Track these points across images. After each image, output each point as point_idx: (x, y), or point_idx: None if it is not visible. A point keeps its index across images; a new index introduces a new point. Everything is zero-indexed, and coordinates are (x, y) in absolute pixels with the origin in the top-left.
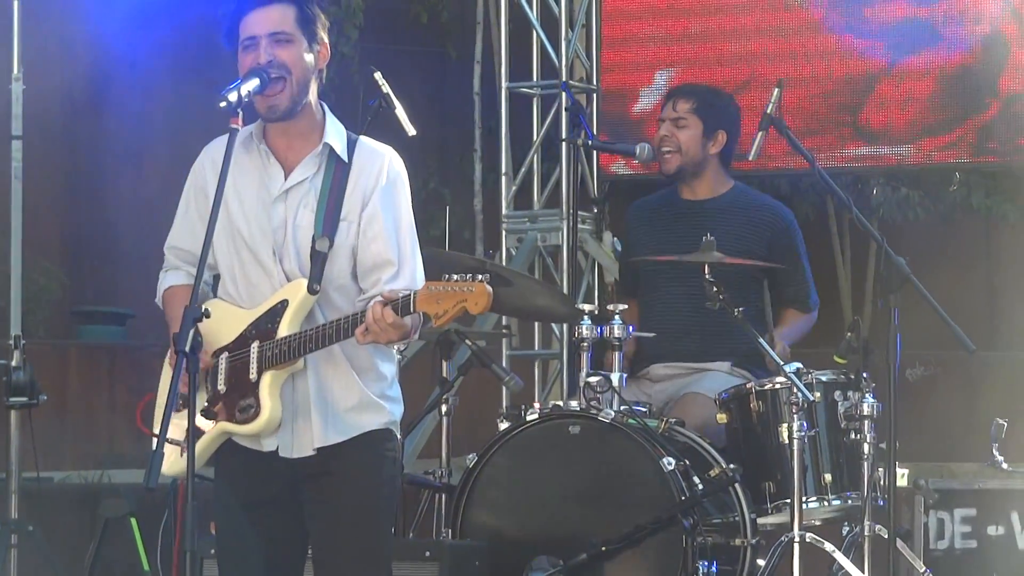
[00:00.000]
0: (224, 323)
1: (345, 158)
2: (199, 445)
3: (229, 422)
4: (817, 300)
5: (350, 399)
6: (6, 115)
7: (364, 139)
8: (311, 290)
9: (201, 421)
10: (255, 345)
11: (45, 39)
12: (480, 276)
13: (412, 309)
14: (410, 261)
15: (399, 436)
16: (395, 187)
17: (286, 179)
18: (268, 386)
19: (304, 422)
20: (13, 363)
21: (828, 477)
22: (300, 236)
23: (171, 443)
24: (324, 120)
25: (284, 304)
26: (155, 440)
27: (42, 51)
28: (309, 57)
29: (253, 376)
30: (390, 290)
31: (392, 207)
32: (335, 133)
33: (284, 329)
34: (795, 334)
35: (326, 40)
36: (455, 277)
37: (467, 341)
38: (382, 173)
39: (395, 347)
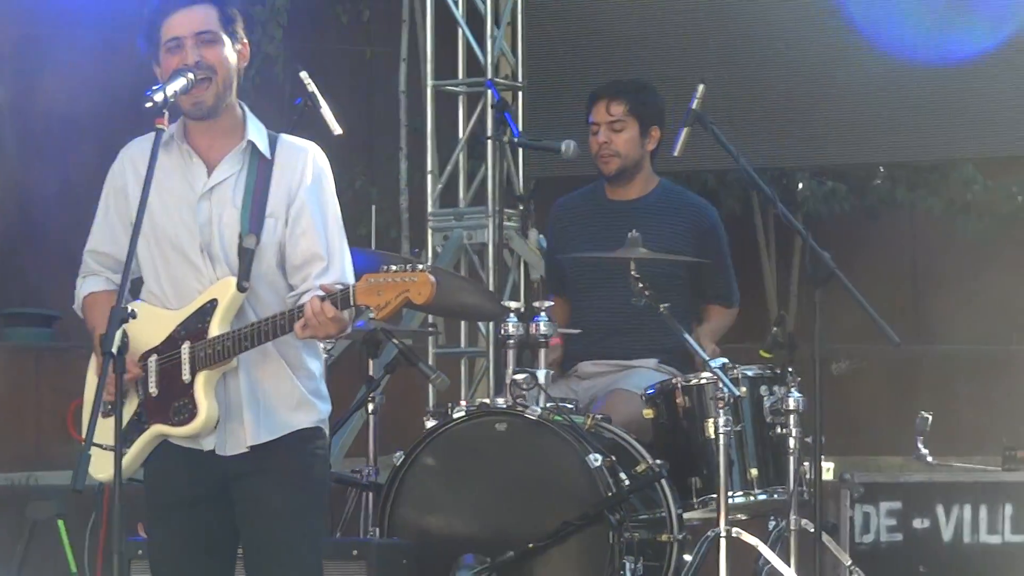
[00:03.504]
0: (150, 325)
1: (268, 155)
2: (133, 449)
3: (164, 424)
4: (739, 296)
5: (283, 396)
6: None
7: (285, 136)
8: (240, 288)
9: (135, 425)
10: (186, 346)
11: None
12: (421, 265)
13: (352, 302)
14: (339, 255)
15: (328, 432)
16: (320, 183)
17: (209, 177)
18: (203, 386)
19: (237, 420)
20: None
21: (754, 472)
22: (226, 234)
23: (103, 448)
24: (245, 118)
25: (214, 303)
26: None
27: None
28: (233, 56)
29: (186, 377)
30: (326, 284)
31: (319, 202)
32: (256, 130)
33: (215, 328)
34: (720, 331)
35: (246, 39)
36: (394, 268)
37: (393, 339)
38: (306, 169)
39: (321, 345)
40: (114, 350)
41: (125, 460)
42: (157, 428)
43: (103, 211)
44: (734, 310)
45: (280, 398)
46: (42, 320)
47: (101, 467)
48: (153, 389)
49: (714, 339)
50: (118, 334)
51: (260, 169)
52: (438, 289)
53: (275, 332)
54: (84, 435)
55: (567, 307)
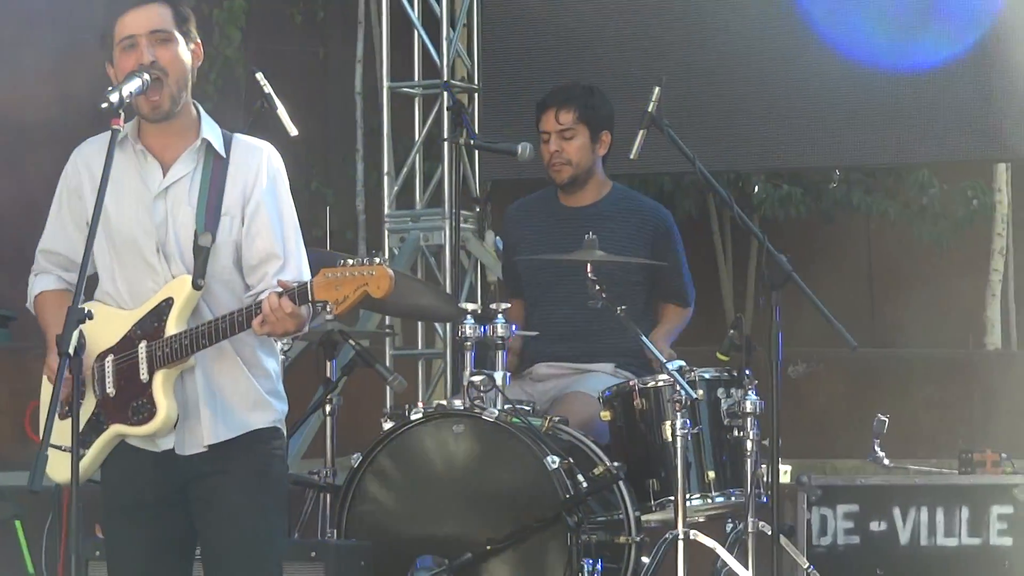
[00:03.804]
0: (105, 325)
1: (223, 153)
2: (92, 450)
3: (123, 424)
4: (694, 294)
5: (239, 395)
6: None
7: (240, 136)
8: (195, 285)
9: (93, 426)
10: (143, 345)
11: None
12: (378, 258)
13: (310, 298)
14: (295, 254)
15: (284, 432)
16: (276, 182)
17: (164, 176)
18: (161, 385)
19: (194, 419)
20: None
21: (711, 474)
22: (182, 233)
23: (60, 449)
24: (199, 118)
25: (169, 302)
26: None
27: None
28: (187, 56)
29: (144, 377)
30: (284, 280)
31: (275, 202)
32: (211, 129)
33: (172, 327)
34: (676, 330)
35: (199, 39)
36: (351, 262)
37: (351, 341)
38: (261, 168)
39: (278, 344)
40: (71, 351)
41: (84, 461)
42: (116, 428)
43: (56, 210)
44: (689, 310)
45: (237, 397)
46: None
47: (59, 469)
48: (111, 389)
49: (669, 340)
50: (75, 335)
51: (215, 168)
52: (396, 285)
53: (232, 329)
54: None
55: (519, 309)
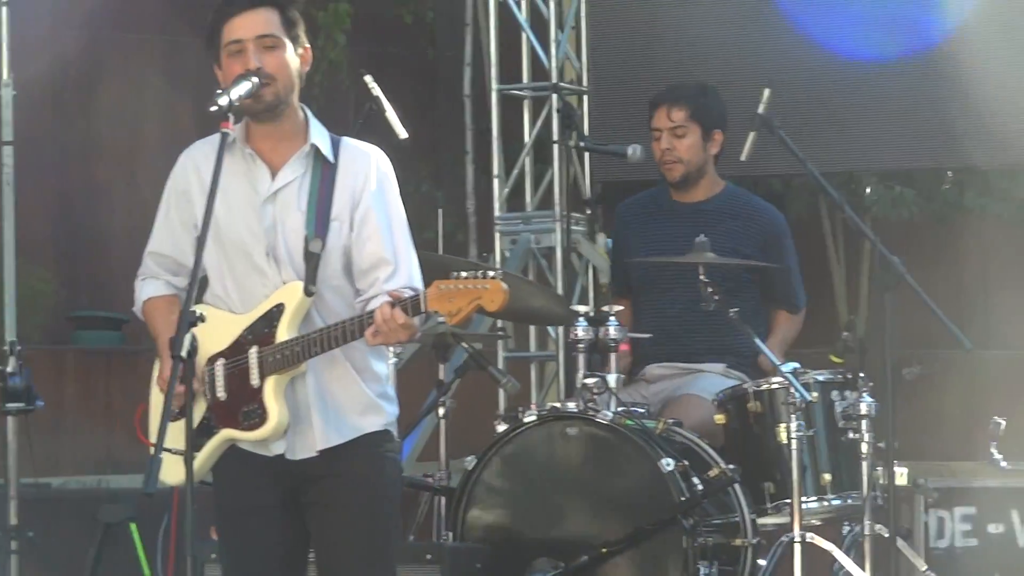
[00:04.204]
0: (215, 329)
1: (331, 158)
2: (203, 453)
3: (234, 429)
4: (805, 301)
5: (350, 399)
6: None
7: (348, 139)
8: (307, 292)
9: (204, 430)
10: (254, 350)
11: (34, 43)
12: (493, 272)
13: (423, 309)
14: (406, 258)
15: (396, 435)
16: (385, 186)
17: (273, 180)
18: (272, 391)
19: (305, 424)
20: (9, 369)
21: (827, 477)
22: (291, 238)
23: (173, 453)
24: (307, 122)
25: (280, 308)
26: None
27: (32, 55)
28: (294, 60)
29: (255, 382)
30: (395, 290)
31: (384, 206)
32: (319, 134)
33: (283, 333)
34: (787, 340)
35: (307, 43)
36: (464, 274)
37: (463, 344)
38: (370, 172)
39: (389, 348)
40: (183, 354)
41: (195, 464)
42: (227, 433)
43: (164, 213)
44: (800, 316)
45: (348, 402)
46: (111, 323)
47: (172, 471)
48: (221, 394)
49: (782, 350)
50: (187, 338)
51: (324, 173)
52: (510, 296)
53: (344, 338)
54: (152, 439)
55: (631, 310)
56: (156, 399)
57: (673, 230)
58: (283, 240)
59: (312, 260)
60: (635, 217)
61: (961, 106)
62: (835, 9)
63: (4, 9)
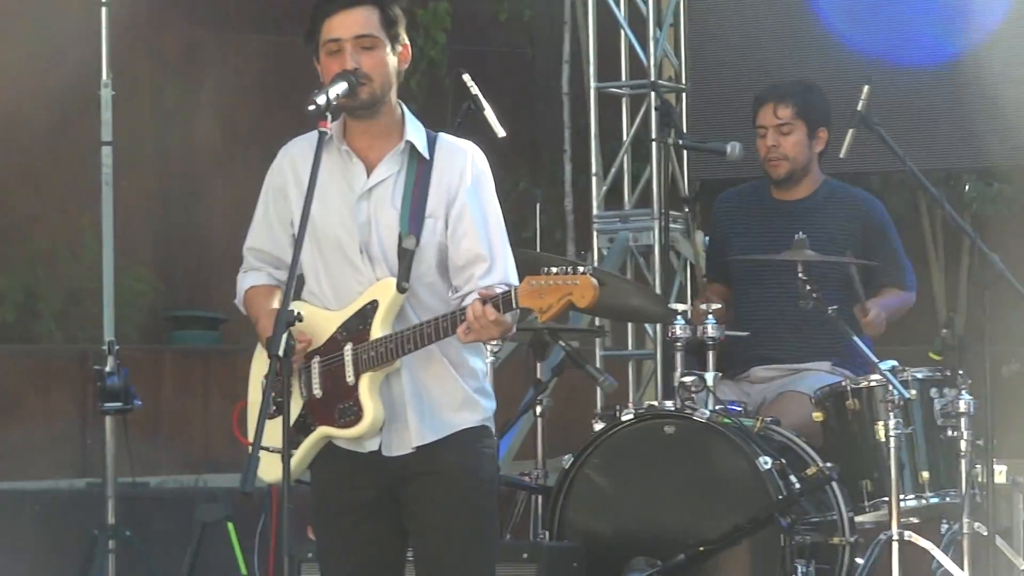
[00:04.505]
0: (311, 326)
1: (426, 155)
2: (299, 451)
3: (330, 426)
4: (915, 281)
5: (446, 396)
6: (96, 121)
7: (444, 135)
8: (400, 288)
9: (300, 427)
10: (348, 347)
11: (133, 43)
12: (583, 268)
13: (514, 305)
14: (502, 255)
15: (494, 431)
16: (480, 182)
17: (368, 177)
18: (367, 388)
19: (401, 421)
20: (107, 368)
21: (925, 475)
22: (385, 235)
23: (270, 451)
24: (403, 118)
25: (374, 304)
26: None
27: (130, 56)
28: (392, 60)
29: (350, 379)
30: (487, 287)
31: (479, 202)
32: (415, 131)
33: (377, 330)
34: (892, 305)
35: (407, 42)
36: (555, 270)
37: (561, 342)
38: (466, 169)
39: (488, 344)
40: (280, 353)
41: (292, 462)
42: (323, 430)
43: (262, 209)
44: (911, 295)
45: (444, 398)
46: (209, 323)
47: (269, 469)
48: (317, 391)
49: (884, 309)
50: (284, 337)
51: (419, 170)
52: (602, 291)
53: (438, 334)
54: (250, 437)
55: (727, 294)
56: (254, 397)
57: (773, 227)
58: (377, 237)
59: (406, 257)
60: (735, 210)
61: None
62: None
63: (104, 9)
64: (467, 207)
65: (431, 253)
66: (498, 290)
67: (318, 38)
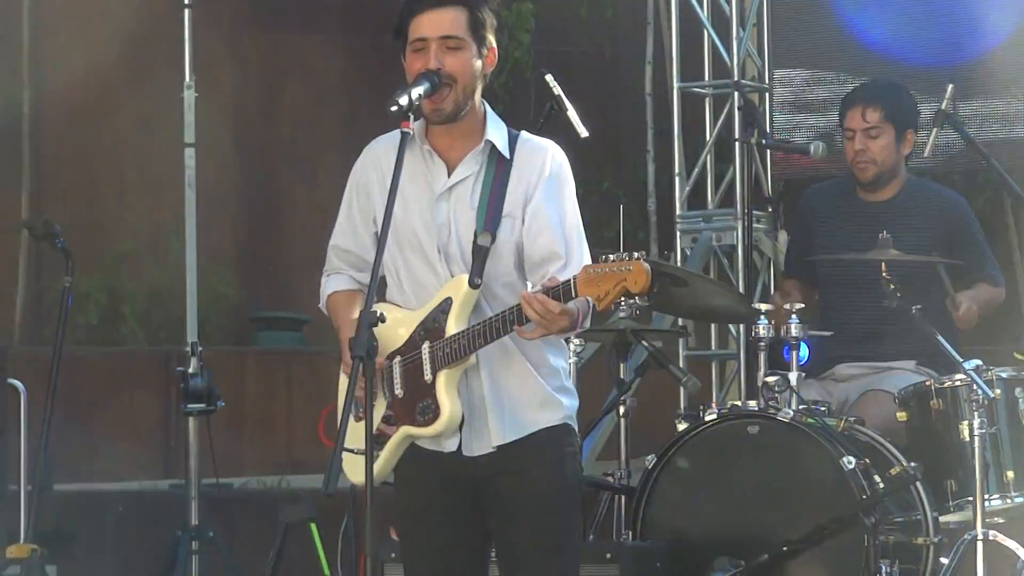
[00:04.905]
0: (393, 326)
1: (507, 155)
2: (384, 452)
3: (411, 426)
4: (1003, 277)
5: (526, 395)
6: (179, 123)
7: (525, 135)
8: (472, 284)
9: (384, 428)
10: (426, 346)
11: (216, 46)
12: (637, 253)
13: (574, 294)
14: (577, 252)
15: (576, 430)
16: (558, 180)
17: (449, 177)
18: (444, 386)
19: (480, 420)
20: (191, 370)
21: (1010, 474)
22: (464, 234)
23: (354, 452)
24: (485, 118)
25: (448, 302)
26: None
27: (213, 58)
28: (477, 63)
29: (428, 377)
30: (549, 278)
31: (556, 200)
32: (496, 130)
33: (452, 327)
34: (983, 299)
35: (494, 44)
36: (612, 257)
37: (644, 342)
38: (544, 167)
39: (570, 343)
40: (364, 354)
41: (377, 463)
42: (405, 430)
43: (346, 208)
44: (1000, 289)
45: (524, 397)
46: (292, 324)
47: (354, 471)
48: (399, 391)
49: (974, 302)
50: (367, 338)
51: (499, 169)
52: (686, 291)
53: (505, 328)
54: (335, 439)
55: (806, 291)
56: (343, 398)
57: (859, 228)
58: (456, 237)
59: (480, 254)
60: (820, 207)
61: None
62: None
63: (187, 11)
64: (544, 205)
65: (509, 252)
66: (560, 280)
67: (405, 35)
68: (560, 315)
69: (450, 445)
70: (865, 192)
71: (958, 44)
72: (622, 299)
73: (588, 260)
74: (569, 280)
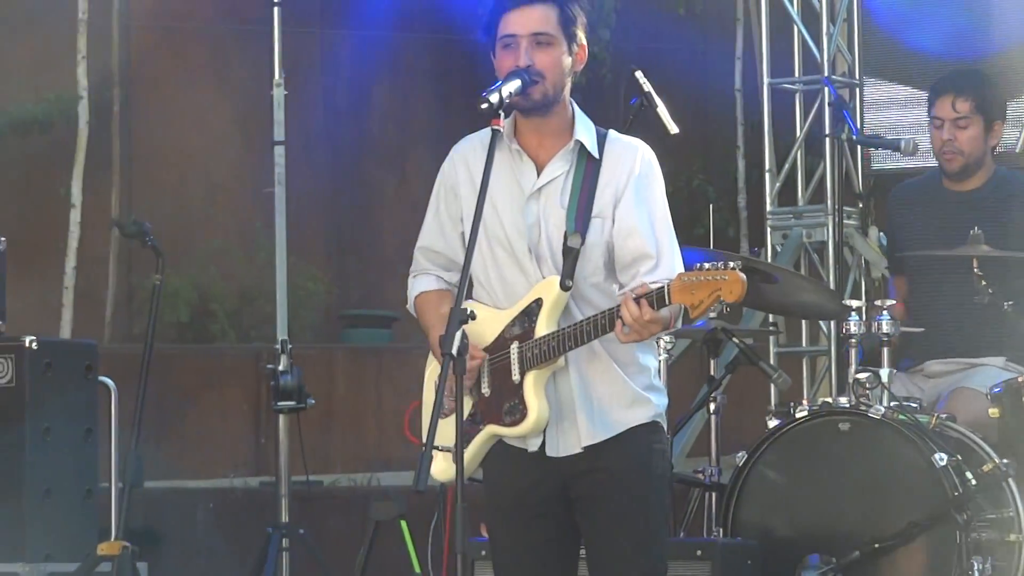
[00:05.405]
0: (482, 325)
1: (596, 154)
2: (470, 449)
3: (497, 425)
4: None
5: (615, 395)
6: (268, 121)
7: (614, 134)
8: (563, 286)
9: (470, 426)
10: (515, 346)
11: (306, 44)
12: (732, 263)
13: (668, 301)
14: (668, 253)
15: (666, 427)
16: (648, 179)
17: (539, 176)
18: (532, 386)
19: (569, 421)
20: (280, 367)
21: None
22: (554, 234)
23: (442, 450)
24: (574, 117)
25: (538, 303)
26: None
27: (304, 56)
28: (567, 60)
29: (516, 377)
30: (642, 283)
31: (646, 200)
32: (585, 129)
33: (541, 328)
34: None
35: (584, 42)
36: (707, 266)
37: (734, 339)
38: (634, 166)
39: (660, 340)
40: (454, 351)
41: (464, 460)
42: (491, 428)
43: (434, 208)
44: None
45: (613, 397)
46: (382, 321)
47: (442, 468)
48: (486, 389)
49: None
50: (457, 335)
51: (588, 169)
52: (776, 288)
53: (596, 331)
54: (422, 437)
55: (906, 288)
56: (428, 398)
57: (947, 220)
58: (546, 237)
59: (570, 255)
60: (908, 203)
61: None
62: None
63: (276, 9)
64: (633, 205)
65: (598, 252)
66: (654, 287)
67: (495, 33)
68: (652, 322)
69: (533, 444)
70: (951, 182)
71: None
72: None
73: (679, 259)
74: (663, 288)
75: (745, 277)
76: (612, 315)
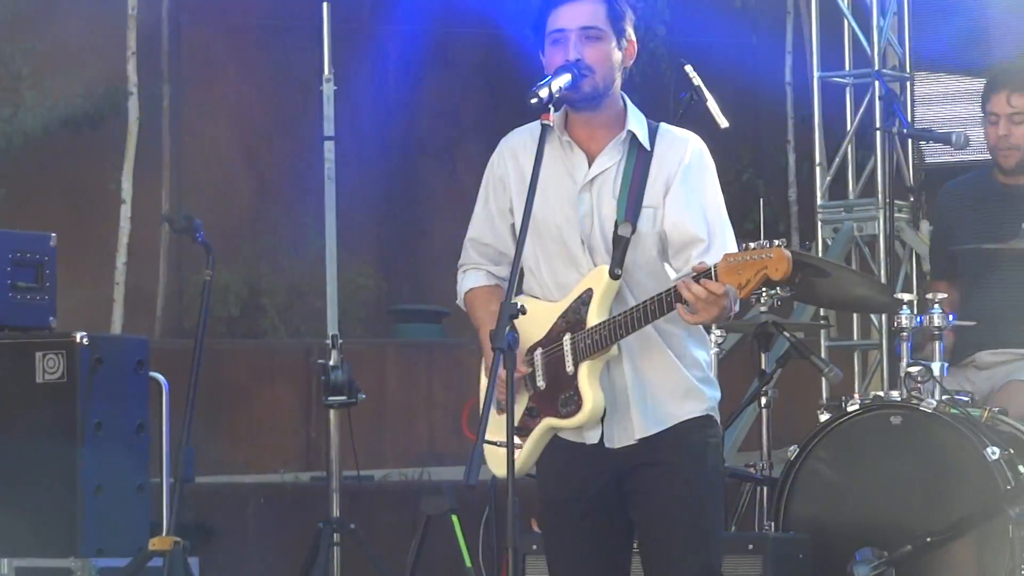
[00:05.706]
0: (534, 318)
1: (647, 145)
2: (528, 444)
3: (554, 417)
4: None
5: (669, 387)
6: (318, 116)
7: (665, 126)
8: (612, 275)
9: (527, 420)
10: (567, 337)
11: (356, 39)
12: (777, 241)
13: (715, 280)
14: (720, 236)
15: (719, 421)
16: (699, 168)
17: (590, 168)
18: (586, 377)
19: (623, 413)
20: (331, 362)
21: None
22: (607, 225)
23: (495, 445)
24: (625, 109)
25: (589, 293)
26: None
27: (353, 51)
28: (616, 54)
29: (570, 369)
30: (698, 264)
31: (697, 185)
32: (636, 121)
33: (593, 317)
34: None
35: (633, 37)
36: (752, 245)
37: (785, 333)
38: (685, 156)
39: (711, 334)
40: (504, 346)
41: (521, 456)
42: (548, 421)
43: (483, 201)
44: None
45: (667, 389)
46: (432, 316)
47: (495, 463)
48: (541, 383)
49: None
50: (507, 330)
51: (639, 160)
52: (827, 281)
53: (647, 317)
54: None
55: (953, 294)
56: (484, 391)
57: (998, 213)
58: (598, 228)
59: (620, 244)
60: (959, 201)
61: None
62: None
63: (326, 5)
64: (683, 190)
65: (651, 242)
66: (705, 266)
67: (543, 28)
68: (708, 300)
69: (592, 437)
70: (1005, 176)
71: None
72: (763, 289)
73: (732, 244)
74: (710, 268)
75: (790, 254)
76: (662, 301)
